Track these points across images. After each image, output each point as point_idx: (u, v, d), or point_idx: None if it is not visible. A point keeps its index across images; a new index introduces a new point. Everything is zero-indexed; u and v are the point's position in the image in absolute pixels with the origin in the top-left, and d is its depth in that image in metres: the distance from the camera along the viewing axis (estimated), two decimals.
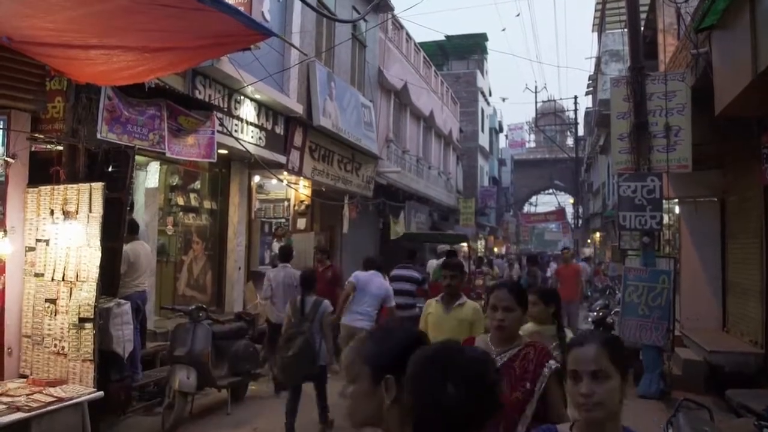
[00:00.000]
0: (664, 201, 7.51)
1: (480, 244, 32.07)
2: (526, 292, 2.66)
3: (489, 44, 32.77)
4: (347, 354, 1.45)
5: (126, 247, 6.50)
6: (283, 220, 11.11)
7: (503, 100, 71.09)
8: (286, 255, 7.67)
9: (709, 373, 7.00)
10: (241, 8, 6.99)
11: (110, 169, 5.01)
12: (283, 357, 5.16)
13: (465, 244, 14.85)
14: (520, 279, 15.07)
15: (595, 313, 8.49)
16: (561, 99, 53.73)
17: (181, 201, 8.74)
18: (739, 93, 5.34)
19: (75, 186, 4.75)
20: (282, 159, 10.01)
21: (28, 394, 4.21)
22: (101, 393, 4.46)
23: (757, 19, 4.86)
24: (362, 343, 1.45)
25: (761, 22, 4.78)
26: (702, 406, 3.91)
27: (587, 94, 30.17)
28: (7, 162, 4.76)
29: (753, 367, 6.59)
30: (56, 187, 4.83)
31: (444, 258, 8.82)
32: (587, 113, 31.63)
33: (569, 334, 3.45)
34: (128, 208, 5.03)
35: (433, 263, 12.84)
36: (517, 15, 29.40)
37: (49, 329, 4.71)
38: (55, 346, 4.67)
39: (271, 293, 7.24)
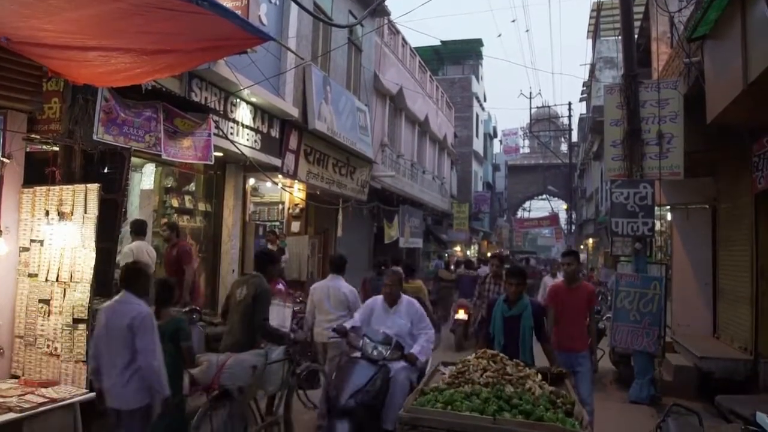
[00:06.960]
0: (656, 208, 7.58)
1: (473, 249, 32.17)
2: None
3: (484, 50, 33.00)
4: None
5: (131, 246, 6.50)
6: (277, 223, 11.11)
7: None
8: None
9: (700, 379, 7.06)
10: (239, 12, 7.02)
11: (106, 171, 5.02)
12: None
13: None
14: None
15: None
16: (555, 105, 54.02)
17: (175, 203, 8.71)
18: (731, 102, 5.42)
19: (71, 187, 4.75)
20: (277, 162, 10.02)
21: (20, 395, 4.20)
22: (93, 394, 4.45)
23: (747, 30, 4.94)
24: None
25: (752, 34, 4.85)
26: (691, 411, 3.94)
27: (581, 100, 30.42)
28: (2, 162, 4.76)
29: (742, 374, 6.65)
30: (52, 187, 4.83)
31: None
32: (581, 119, 31.86)
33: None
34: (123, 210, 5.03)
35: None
36: (513, 21, 29.63)
37: (42, 330, 4.70)
38: (48, 346, 4.66)
39: None
